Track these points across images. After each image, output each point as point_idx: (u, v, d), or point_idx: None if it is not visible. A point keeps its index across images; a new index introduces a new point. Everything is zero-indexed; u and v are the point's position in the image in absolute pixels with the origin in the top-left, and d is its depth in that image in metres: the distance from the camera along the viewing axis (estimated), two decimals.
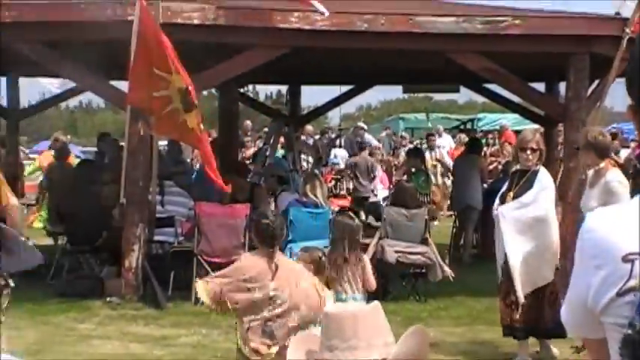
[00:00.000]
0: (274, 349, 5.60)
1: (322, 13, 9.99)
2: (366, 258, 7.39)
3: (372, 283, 7.23)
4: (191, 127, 9.64)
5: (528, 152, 7.94)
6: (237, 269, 5.75)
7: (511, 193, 7.98)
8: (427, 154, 19.09)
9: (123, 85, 11.27)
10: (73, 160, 16.89)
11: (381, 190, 19.27)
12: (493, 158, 20.77)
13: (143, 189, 10.62)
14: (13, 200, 6.86)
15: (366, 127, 26.33)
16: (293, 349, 2.71)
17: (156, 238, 11.33)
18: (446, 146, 23.84)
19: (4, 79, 16.06)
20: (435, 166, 20.07)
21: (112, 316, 9.95)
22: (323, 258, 6.55)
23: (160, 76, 9.61)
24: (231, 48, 10.68)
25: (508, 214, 7.90)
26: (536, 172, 7.94)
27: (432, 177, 18.15)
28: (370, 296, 7.03)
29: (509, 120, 27.79)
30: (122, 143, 11.43)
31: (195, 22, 10.21)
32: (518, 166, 8.25)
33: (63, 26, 10.17)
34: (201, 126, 9.67)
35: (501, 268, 8.03)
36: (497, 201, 8.17)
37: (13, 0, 10.22)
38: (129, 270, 10.44)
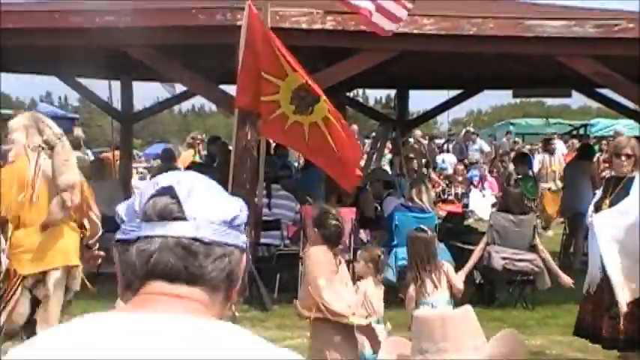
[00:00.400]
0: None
1: (388, 32, 9.65)
2: (447, 264, 7.34)
3: (458, 286, 7.20)
4: (314, 121, 9.66)
5: (623, 158, 7.70)
6: (321, 269, 6.03)
7: (607, 201, 7.73)
8: (547, 159, 18.80)
9: (232, 89, 11.44)
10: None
11: (489, 196, 19.06)
12: (606, 165, 20.28)
13: (250, 192, 10.71)
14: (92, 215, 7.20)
15: (473, 130, 26.08)
16: (385, 353, 2.71)
17: (262, 240, 11.44)
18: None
19: (118, 83, 16.47)
20: (554, 171, 19.66)
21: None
22: (382, 256, 6.69)
23: (269, 81, 9.69)
24: (339, 52, 10.72)
25: (604, 223, 7.66)
26: (631, 179, 7.69)
27: (552, 183, 17.85)
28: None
29: (624, 126, 27.11)
30: (231, 147, 11.58)
31: (304, 26, 10.27)
32: (612, 173, 8.02)
33: (174, 31, 10.37)
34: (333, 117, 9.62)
35: (599, 278, 7.78)
36: (591, 208, 7.92)
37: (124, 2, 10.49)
38: None
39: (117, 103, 17.16)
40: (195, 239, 1.63)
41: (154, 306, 1.60)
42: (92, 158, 18.94)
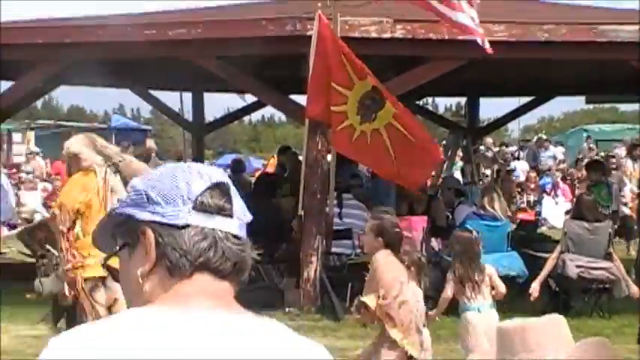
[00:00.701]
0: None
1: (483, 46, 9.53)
2: (490, 267, 7.31)
3: (501, 290, 7.20)
4: (376, 128, 9.68)
5: None
6: (390, 276, 6.12)
7: None
8: (630, 165, 18.50)
9: (302, 100, 11.49)
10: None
11: (562, 203, 18.82)
12: None
13: (321, 201, 10.74)
14: None
15: (545, 137, 25.78)
16: None
17: (333, 250, 11.43)
18: None
19: (189, 95, 16.66)
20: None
21: (290, 326, 9.97)
22: (422, 259, 6.72)
23: (338, 91, 9.74)
24: (409, 61, 10.69)
25: None
26: None
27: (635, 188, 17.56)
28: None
29: None
30: (301, 157, 11.63)
31: (373, 35, 10.27)
32: None
33: (245, 42, 10.45)
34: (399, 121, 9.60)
35: None
36: None
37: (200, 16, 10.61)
38: (307, 281, 10.58)
39: (187, 115, 17.36)
40: (237, 237, 1.68)
41: (208, 302, 1.63)
42: None
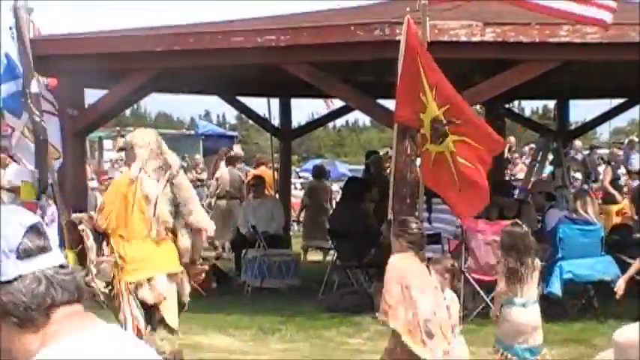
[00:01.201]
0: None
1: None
2: (538, 262, 7.36)
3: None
4: (442, 151, 9.64)
5: None
6: (400, 276, 6.29)
7: None
8: None
9: (389, 104, 11.47)
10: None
11: None
12: None
13: (411, 206, 10.69)
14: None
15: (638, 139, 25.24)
16: None
17: None
18: None
19: (276, 101, 16.75)
20: None
21: (381, 331, 10.05)
22: (455, 265, 6.90)
23: (420, 99, 9.72)
24: (499, 64, 10.59)
25: None
26: None
27: None
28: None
29: None
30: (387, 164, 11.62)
31: (463, 39, 10.20)
32: None
33: (333, 47, 10.48)
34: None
35: None
36: None
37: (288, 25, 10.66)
38: None
39: (274, 120, 17.44)
40: (62, 266, 1.73)
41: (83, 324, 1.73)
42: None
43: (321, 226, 15.38)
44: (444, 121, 9.29)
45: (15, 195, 14.26)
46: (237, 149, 26.88)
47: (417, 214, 10.79)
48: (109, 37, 11.97)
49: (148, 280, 7.33)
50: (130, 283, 7.32)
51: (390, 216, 10.65)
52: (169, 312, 7.47)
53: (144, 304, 7.36)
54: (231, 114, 63.55)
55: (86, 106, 12.49)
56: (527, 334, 6.98)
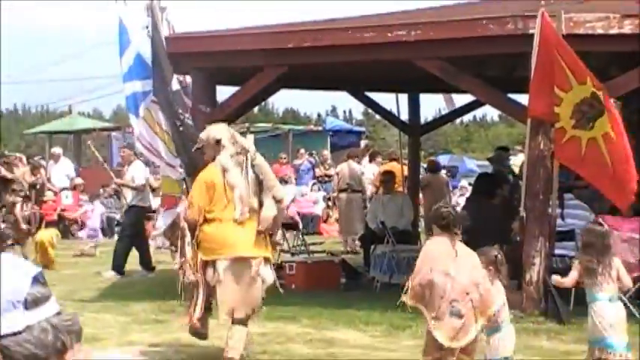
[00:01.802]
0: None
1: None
2: (617, 259, 7.42)
3: (627, 282, 7.39)
4: (593, 136, 9.46)
5: None
6: (425, 257, 6.49)
7: None
8: None
9: (520, 99, 11.29)
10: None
11: None
12: None
13: (543, 202, 10.51)
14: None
15: None
16: None
17: (556, 251, 11.16)
18: None
19: (405, 96, 16.68)
20: None
21: (516, 328, 9.93)
22: (499, 256, 6.87)
23: (554, 92, 9.56)
24: (637, 57, 10.29)
25: None
26: None
27: None
28: None
29: None
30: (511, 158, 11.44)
31: (599, 31, 9.96)
32: None
33: (464, 42, 10.39)
34: (614, 132, 9.33)
35: None
36: None
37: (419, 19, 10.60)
38: (530, 284, 10.39)
39: (401, 116, 17.38)
40: (59, 312, 1.74)
41: None
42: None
43: None
44: (601, 96, 9.12)
45: (137, 192, 14.67)
46: (364, 145, 26.97)
47: (549, 210, 10.62)
48: (241, 35, 12.14)
49: (213, 262, 7.87)
50: (207, 263, 7.88)
51: (522, 213, 10.51)
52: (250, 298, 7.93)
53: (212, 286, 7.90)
54: (357, 110, 63.75)
55: (218, 103, 12.70)
56: (615, 327, 7.05)
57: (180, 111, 11.55)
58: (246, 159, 8.03)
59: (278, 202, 8.14)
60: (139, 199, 14.92)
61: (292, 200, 20.68)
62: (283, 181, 21.44)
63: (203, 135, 8.35)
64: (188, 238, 8.12)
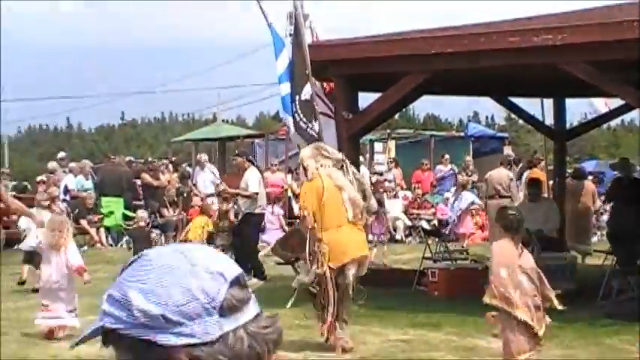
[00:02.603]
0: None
1: None
2: None
3: None
4: None
5: None
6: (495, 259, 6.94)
7: None
8: None
9: None
10: None
11: None
12: None
13: None
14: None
15: None
16: None
17: None
18: None
19: (549, 101, 16.36)
20: None
21: None
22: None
23: None
24: None
25: None
26: None
27: None
28: None
29: None
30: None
31: None
32: None
33: (613, 45, 10.11)
34: None
35: None
36: None
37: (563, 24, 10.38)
38: None
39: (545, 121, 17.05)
40: (258, 315, 1.53)
41: None
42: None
43: (583, 229, 15.19)
44: None
45: (252, 200, 14.67)
46: (508, 151, 26.56)
47: None
48: (383, 41, 12.16)
49: (343, 265, 8.65)
50: (331, 269, 8.61)
51: None
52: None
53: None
54: (499, 115, 62.83)
55: (360, 109, 12.75)
56: None
57: (305, 120, 11.62)
58: (346, 169, 8.94)
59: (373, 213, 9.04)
60: (253, 207, 14.80)
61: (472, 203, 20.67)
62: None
63: (299, 159, 9.44)
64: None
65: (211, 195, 23.06)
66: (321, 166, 8.87)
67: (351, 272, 8.71)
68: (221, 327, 1.44)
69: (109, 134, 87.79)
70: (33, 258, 12.82)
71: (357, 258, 8.73)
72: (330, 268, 8.55)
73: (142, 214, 16.93)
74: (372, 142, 27.94)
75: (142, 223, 16.21)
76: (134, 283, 1.46)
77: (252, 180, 14.68)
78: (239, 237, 15.09)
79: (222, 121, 45.06)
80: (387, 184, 22.78)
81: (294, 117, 11.69)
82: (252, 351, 1.46)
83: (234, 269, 1.49)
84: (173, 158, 27.50)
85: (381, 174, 25.03)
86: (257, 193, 14.67)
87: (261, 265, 14.76)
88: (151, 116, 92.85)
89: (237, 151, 17.53)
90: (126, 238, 21.45)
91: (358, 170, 10.32)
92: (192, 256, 1.49)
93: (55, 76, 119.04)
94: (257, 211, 14.86)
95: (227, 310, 1.45)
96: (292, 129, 12.41)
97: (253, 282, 14.40)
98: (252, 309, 1.49)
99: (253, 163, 15.61)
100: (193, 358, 1.44)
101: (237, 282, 1.48)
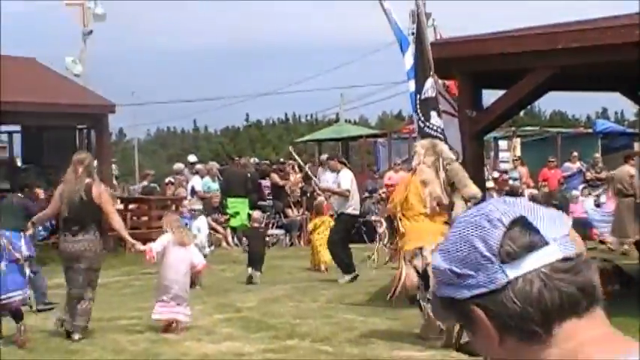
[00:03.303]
0: None
1: None
2: None
3: None
4: None
5: None
6: None
7: None
8: None
9: None
10: None
11: None
12: None
13: None
14: None
15: None
16: None
17: None
18: None
19: None
20: None
21: None
22: None
23: None
24: None
25: None
26: None
27: None
28: None
29: None
30: None
31: None
32: None
33: None
34: None
35: None
36: None
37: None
38: None
39: None
40: (565, 259, 1.42)
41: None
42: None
43: None
44: None
45: (345, 200, 14.84)
46: (638, 147, 25.83)
47: None
48: (508, 37, 11.97)
49: (420, 249, 9.37)
50: (407, 252, 9.45)
51: None
52: None
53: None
54: (629, 111, 61.14)
55: (484, 107, 12.58)
56: None
57: (423, 119, 11.52)
58: (440, 164, 9.72)
59: (467, 201, 9.53)
60: (346, 207, 15.08)
61: None
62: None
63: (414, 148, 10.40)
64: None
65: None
66: (423, 162, 9.79)
67: (427, 256, 9.06)
68: (504, 275, 1.42)
69: (234, 136, 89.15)
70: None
71: (430, 246, 9.08)
72: (405, 251, 9.53)
73: (257, 215, 17.18)
74: (496, 139, 27.59)
75: (256, 224, 16.43)
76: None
77: (344, 179, 15.15)
78: (331, 234, 15.41)
79: (345, 121, 45.22)
80: (511, 182, 22.46)
81: (417, 114, 11.62)
82: (543, 297, 1.40)
83: (514, 210, 1.45)
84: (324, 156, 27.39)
85: (505, 172, 24.70)
86: (348, 191, 14.93)
87: (350, 262, 14.99)
88: (275, 117, 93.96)
89: (328, 155, 18.23)
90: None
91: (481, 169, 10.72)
92: (479, 207, 1.50)
93: (182, 79, 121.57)
94: (348, 211, 15.17)
95: (507, 257, 1.42)
96: (416, 126, 12.30)
97: (345, 279, 14.53)
98: (553, 249, 1.42)
99: (346, 164, 15.97)
100: (483, 308, 1.43)
101: (516, 224, 1.44)
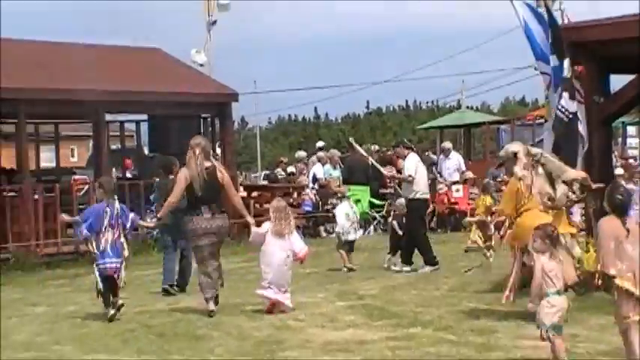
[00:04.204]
0: None
1: None
2: None
3: None
4: None
5: None
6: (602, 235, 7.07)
7: None
8: None
9: None
10: None
11: None
12: None
13: None
14: None
15: None
16: None
17: None
18: None
19: None
20: None
21: None
22: (556, 231, 7.66)
23: None
24: None
25: None
26: None
27: None
28: None
29: None
30: None
31: None
32: None
33: None
34: None
35: None
36: None
37: None
38: None
39: None
40: None
41: None
42: None
43: None
44: None
45: (412, 186, 14.59)
46: None
47: None
48: (636, 21, 11.62)
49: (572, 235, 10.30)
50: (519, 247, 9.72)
51: None
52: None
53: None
54: None
55: (612, 92, 12.28)
56: None
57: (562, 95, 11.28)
58: (535, 163, 10.13)
59: (566, 183, 10.21)
60: (415, 193, 14.81)
61: None
62: None
63: (502, 152, 10.78)
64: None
65: (456, 182, 22.96)
66: (523, 167, 10.10)
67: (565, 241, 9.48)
68: None
69: (355, 123, 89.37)
70: None
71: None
72: (516, 244, 9.89)
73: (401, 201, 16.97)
74: (624, 125, 26.86)
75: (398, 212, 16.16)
76: None
77: (408, 164, 14.81)
78: (406, 225, 15.21)
79: (467, 107, 44.78)
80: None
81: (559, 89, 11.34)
82: None
83: None
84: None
85: (635, 158, 24.04)
86: (411, 176, 14.71)
87: (430, 250, 14.76)
88: (396, 104, 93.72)
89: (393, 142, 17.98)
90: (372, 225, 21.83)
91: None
92: None
93: (302, 67, 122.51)
94: (417, 196, 14.90)
95: None
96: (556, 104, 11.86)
97: (425, 270, 14.32)
98: None
99: (412, 149, 15.65)
100: None
101: None
